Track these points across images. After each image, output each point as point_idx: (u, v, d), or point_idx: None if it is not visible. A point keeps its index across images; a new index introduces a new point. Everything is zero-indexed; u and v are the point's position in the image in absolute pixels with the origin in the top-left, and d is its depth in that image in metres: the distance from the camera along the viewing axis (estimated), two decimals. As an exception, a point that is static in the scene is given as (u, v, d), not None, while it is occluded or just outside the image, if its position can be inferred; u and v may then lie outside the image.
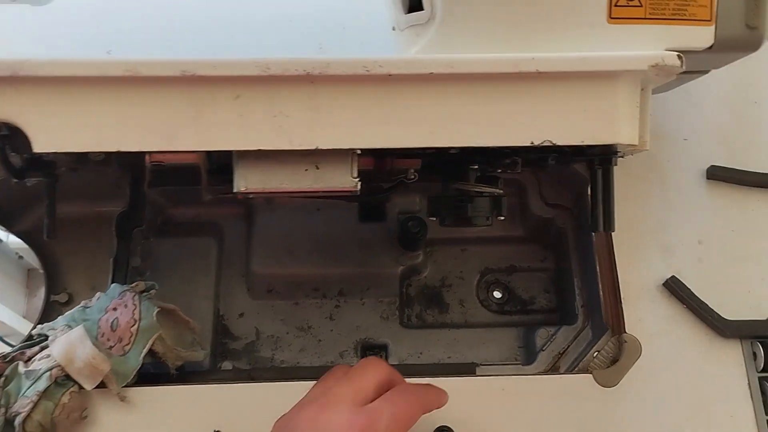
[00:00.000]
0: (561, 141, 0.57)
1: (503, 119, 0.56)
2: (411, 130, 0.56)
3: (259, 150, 0.56)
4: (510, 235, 0.88)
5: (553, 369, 0.77)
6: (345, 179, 0.58)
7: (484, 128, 0.56)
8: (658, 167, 0.79)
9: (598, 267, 0.77)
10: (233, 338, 0.82)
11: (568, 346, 0.78)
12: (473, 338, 0.84)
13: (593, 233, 0.78)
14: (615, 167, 0.72)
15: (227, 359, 0.80)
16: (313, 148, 0.56)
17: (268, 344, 0.82)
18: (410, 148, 0.57)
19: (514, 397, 0.70)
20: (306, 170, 0.58)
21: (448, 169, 0.66)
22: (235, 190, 0.58)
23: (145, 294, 0.72)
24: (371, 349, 0.82)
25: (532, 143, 0.57)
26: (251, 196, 0.62)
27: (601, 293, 0.76)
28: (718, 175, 0.78)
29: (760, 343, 0.72)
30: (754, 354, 0.72)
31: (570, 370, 0.76)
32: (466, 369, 0.77)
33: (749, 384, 0.71)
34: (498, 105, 0.56)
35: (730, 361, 0.72)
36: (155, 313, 0.69)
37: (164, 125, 0.54)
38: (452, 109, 0.56)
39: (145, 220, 0.80)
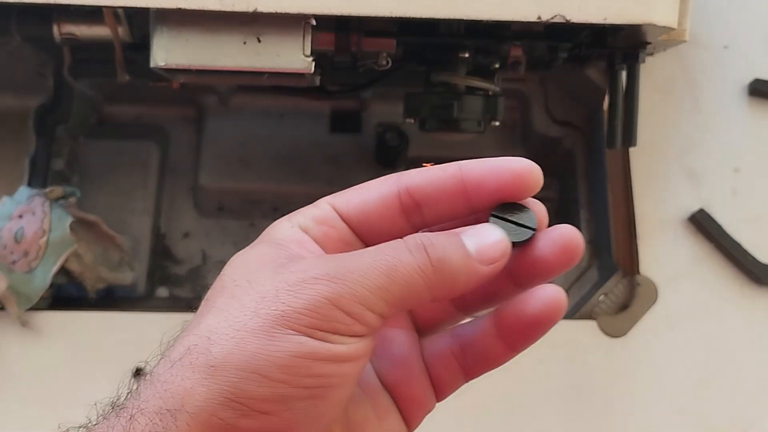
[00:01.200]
0: (577, 17, 0.44)
1: (504, -17, 0.43)
2: (381, -7, 0.43)
3: (183, 12, 0.43)
4: (509, 155, 0.75)
5: (549, 313, 0.65)
6: (295, 57, 0.45)
7: (477, -6, 0.43)
8: (690, 79, 0.65)
9: (610, 196, 0.64)
10: (175, 261, 0.70)
11: (569, 289, 0.66)
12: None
13: (605, 156, 0.65)
14: (641, 77, 0.59)
15: (166, 285, 0.68)
16: (251, 10, 0.42)
17: (216, 270, 0.69)
18: (380, 19, 0.44)
19: (500, 344, 0.58)
20: (245, 43, 0.45)
21: (432, 57, 0.53)
22: (152, 65, 0.45)
23: (61, 201, 0.59)
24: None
25: (539, 18, 0.44)
26: (181, 78, 0.49)
27: (612, 227, 0.64)
28: (762, 90, 0.64)
29: (802, 293, 0.59)
30: (794, 306, 0.60)
31: (569, 317, 0.64)
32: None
33: (784, 341, 0.59)
34: (497, -37, 0.43)
35: (764, 312, 0.60)
36: (69, 223, 0.57)
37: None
38: (436, -35, 0.43)
39: (73, 116, 0.67)
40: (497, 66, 0.54)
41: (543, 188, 0.78)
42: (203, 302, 0.26)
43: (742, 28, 0.67)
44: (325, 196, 0.74)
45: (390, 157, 0.69)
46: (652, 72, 0.65)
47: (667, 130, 0.64)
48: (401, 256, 0.25)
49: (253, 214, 0.72)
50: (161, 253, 0.70)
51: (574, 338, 0.58)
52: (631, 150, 0.63)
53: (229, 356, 0.24)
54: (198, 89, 0.71)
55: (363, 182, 0.73)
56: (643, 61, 0.52)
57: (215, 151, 0.71)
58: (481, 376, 0.47)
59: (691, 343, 0.58)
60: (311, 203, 0.74)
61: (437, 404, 0.31)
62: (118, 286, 0.62)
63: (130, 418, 0.23)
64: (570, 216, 0.71)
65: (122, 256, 0.62)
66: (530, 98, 0.72)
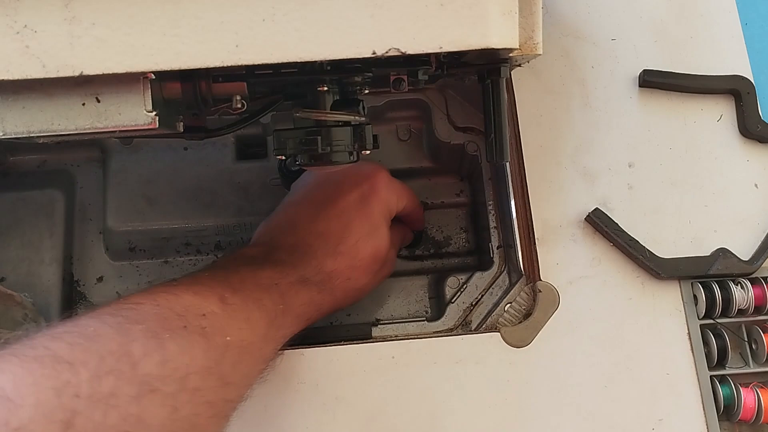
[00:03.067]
0: (412, 48, 0.43)
1: (332, 21, 0.42)
2: (208, 44, 0.42)
3: (12, 81, 0.42)
4: (420, 166, 0.75)
5: (463, 324, 0.65)
6: (137, 114, 0.44)
7: (306, 36, 0.42)
8: (580, 76, 0.65)
9: (512, 201, 0.64)
10: (92, 306, 0.70)
11: (482, 296, 0.66)
12: (378, 290, 0.71)
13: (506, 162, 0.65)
14: (529, 78, 0.58)
15: (83, 332, 0.68)
16: (78, 74, 0.42)
17: (133, 311, 0.70)
18: (215, 69, 0.43)
19: (406, 366, 0.58)
20: (83, 105, 0.44)
21: (295, 92, 0.52)
22: (-8, 136, 0.45)
23: (-44, 266, 0.59)
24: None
25: (374, 54, 0.43)
26: (39, 140, 0.48)
27: (516, 232, 0.64)
28: (652, 81, 0.64)
29: (701, 284, 0.59)
30: (695, 297, 0.60)
31: (481, 324, 0.64)
32: (361, 331, 0.65)
33: (689, 333, 0.59)
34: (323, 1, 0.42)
35: (666, 307, 0.59)
36: (-41, 289, 0.57)
37: None
38: (260, 10, 0.42)
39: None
40: (366, 92, 0.54)
41: (456, 194, 0.78)
42: None
43: (628, 18, 0.66)
44: (235, 225, 0.72)
45: (293, 181, 0.69)
46: (542, 73, 0.64)
47: (560, 130, 0.63)
48: None
49: (165, 251, 0.71)
50: (78, 300, 0.70)
51: (478, 353, 0.58)
52: (526, 154, 0.63)
53: None
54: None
55: (272, 209, 0.72)
56: (503, 75, 0.51)
57: (121, 191, 0.70)
58: (387, 395, 0.52)
59: (595, 345, 0.58)
60: (223, 235, 0.80)
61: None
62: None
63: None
64: (482, 220, 0.71)
65: (25, 313, 0.62)
66: (431, 107, 0.71)
